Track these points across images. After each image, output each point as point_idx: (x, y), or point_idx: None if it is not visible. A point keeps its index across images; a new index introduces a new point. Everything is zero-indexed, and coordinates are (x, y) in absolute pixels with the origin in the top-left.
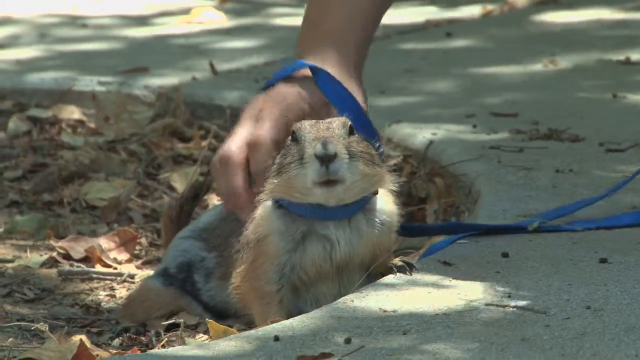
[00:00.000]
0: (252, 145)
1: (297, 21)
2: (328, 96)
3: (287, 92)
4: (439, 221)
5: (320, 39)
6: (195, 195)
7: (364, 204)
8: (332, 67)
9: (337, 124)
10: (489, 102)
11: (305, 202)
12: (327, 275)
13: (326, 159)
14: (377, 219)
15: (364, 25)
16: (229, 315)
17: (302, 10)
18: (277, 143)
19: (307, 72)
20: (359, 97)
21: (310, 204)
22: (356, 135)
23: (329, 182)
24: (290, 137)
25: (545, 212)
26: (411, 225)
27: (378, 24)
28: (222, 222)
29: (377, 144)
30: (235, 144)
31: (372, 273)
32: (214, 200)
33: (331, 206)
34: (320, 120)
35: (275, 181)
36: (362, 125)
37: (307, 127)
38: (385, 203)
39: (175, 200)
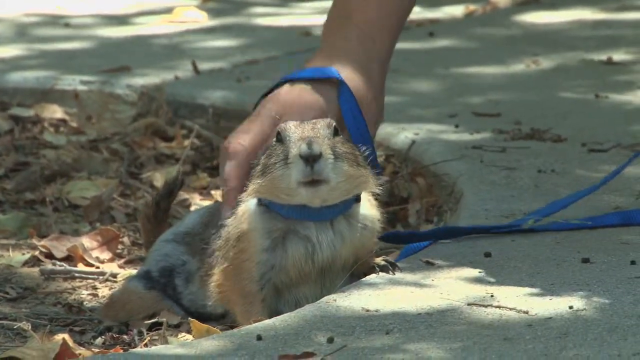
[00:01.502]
0: (252, 154)
1: (279, 21)
2: (343, 111)
3: (312, 103)
4: (421, 221)
5: (346, 32)
6: (170, 191)
7: (347, 208)
8: (353, 64)
9: (322, 124)
10: (472, 102)
11: (290, 202)
12: (309, 277)
13: (311, 159)
14: (359, 224)
15: (391, 24)
16: (211, 319)
17: (284, 10)
18: None
19: (333, 80)
20: (373, 115)
21: (293, 204)
22: (341, 136)
23: (313, 182)
24: (275, 138)
25: (537, 209)
26: (399, 232)
27: (403, 26)
28: (204, 227)
29: (369, 151)
30: (249, 140)
31: (354, 273)
32: (196, 199)
33: (314, 207)
34: (305, 121)
35: (260, 181)
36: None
37: (292, 128)
38: (368, 208)
39: (151, 199)
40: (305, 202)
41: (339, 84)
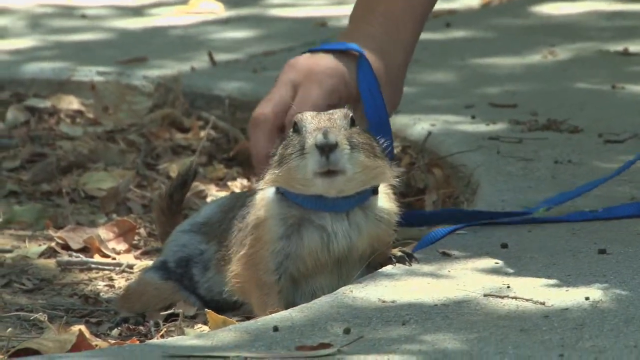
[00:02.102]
0: (285, 116)
1: (296, 11)
2: (361, 85)
3: (332, 71)
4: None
5: (371, 19)
6: (183, 182)
7: (363, 199)
8: (374, 45)
9: (338, 115)
10: (488, 92)
11: (306, 192)
12: (325, 268)
13: (327, 149)
14: (376, 216)
15: (416, 15)
16: (227, 309)
17: (300, 1)
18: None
19: (354, 54)
20: (392, 95)
21: (309, 194)
22: (357, 127)
23: (329, 172)
24: (291, 128)
25: (549, 198)
26: (413, 212)
27: (427, 18)
28: (222, 215)
29: (387, 143)
30: (270, 107)
31: (371, 264)
32: (212, 190)
33: (330, 198)
34: (322, 112)
35: (276, 171)
36: (379, 124)
37: (309, 118)
38: (385, 201)
39: (164, 191)
40: (321, 192)
41: (359, 57)
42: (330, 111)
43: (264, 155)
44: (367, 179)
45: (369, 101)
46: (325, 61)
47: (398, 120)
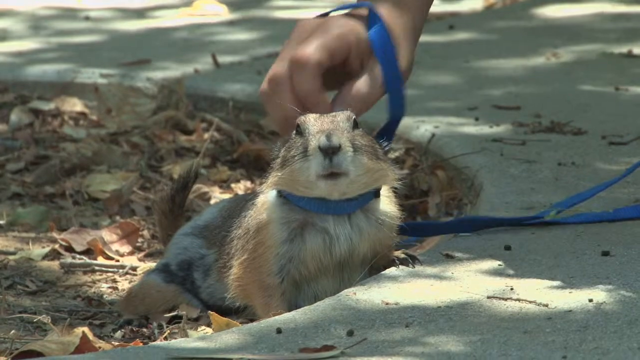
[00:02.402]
0: (294, 64)
1: (299, 13)
2: (373, 40)
3: (343, 22)
4: (441, 214)
5: None
6: (185, 184)
7: (365, 202)
8: (388, 9)
9: (341, 117)
10: (492, 95)
11: (309, 195)
12: (328, 271)
13: (330, 151)
14: (377, 219)
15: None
16: (229, 313)
17: (304, 3)
18: (322, 67)
19: (365, 13)
20: (403, 56)
21: (312, 197)
22: (360, 129)
23: (332, 174)
24: (294, 131)
25: (559, 202)
26: (421, 223)
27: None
28: (223, 221)
29: (385, 144)
30: (282, 64)
31: (374, 266)
32: (216, 192)
33: (332, 200)
34: (324, 114)
35: (279, 174)
36: (392, 79)
37: (311, 120)
38: (387, 204)
39: (165, 194)
40: (324, 194)
41: (370, 11)
42: (333, 113)
43: (287, 118)
44: (369, 181)
45: (381, 54)
46: (334, 18)
47: (401, 122)
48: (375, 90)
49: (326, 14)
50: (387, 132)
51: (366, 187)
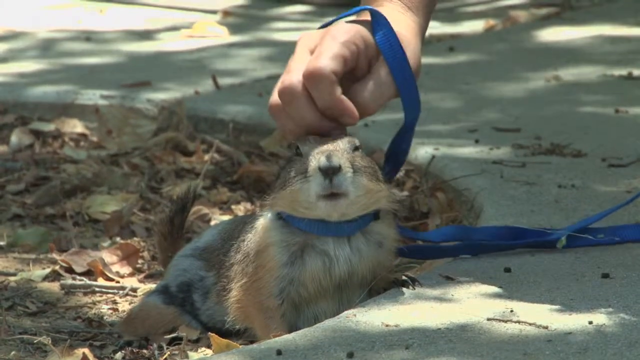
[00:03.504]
0: (311, 78)
1: (299, 35)
2: (380, 44)
3: (348, 28)
4: None
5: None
6: (183, 206)
7: (365, 224)
8: (393, 12)
9: (341, 138)
10: (492, 117)
11: (309, 216)
12: (327, 293)
13: (330, 172)
14: (376, 241)
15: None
16: (229, 335)
17: (304, 25)
18: (338, 76)
19: (367, 17)
20: (412, 56)
21: (311, 219)
22: (360, 151)
23: (332, 195)
24: (294, 152)
25: (566, 227)
26: (421, 247)
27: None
28: (222, 243)
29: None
30: (296, 76)
31: (374, 288)
32: (216, 214)
33: (332, 222)
34: (324, 138)
35: (279, 195)
36: (405, 80)
37: (312, 141)
38: (386, 227)
39: (164, 216)
40: (324, 216)
41: (373, 14)
42: (333, 138)
43: (311, 119)
44: (369, 202)
45: (390, 55)
46: (338, 25)
47: None
48: (381, 92)
49: (329, 24)
50: (405, 134)
51: (366, 209)
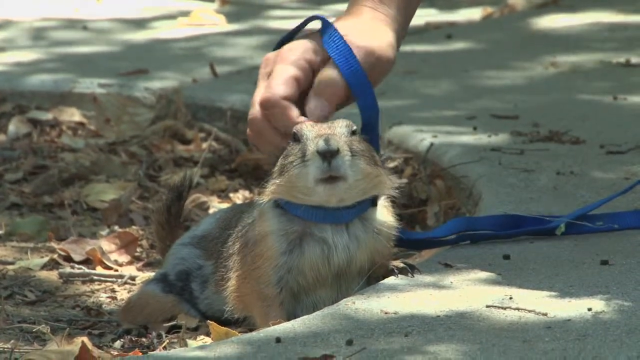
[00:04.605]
0: (265, 109)
1: (297, 23)
2: (330, 52)
3: (296, 45)
4: (440, 223)
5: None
6: (179, 195)
7: (363, 211)
8: (363, 24)
9: (338, 123)
10: (490, 104)
11: (307, 202)
12: (325, 281)
13: (328, 155)
14: (374, 228)
15: None
16: (228, 323)
17: (302, 13)
18: (291, 98)
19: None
20: (380, 42)
21: (309, 206)
22: (357, 135)
23: (330, 178)
24: (291, 138)
25: (566, 215)
26: (416, 235)
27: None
28: (220, 231)
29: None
30: (256, 108)
31: (372, 275)
32: (214, 202)
33: (330, 208)
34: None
35: (277, 181)
36: (360, 88)
37: (309, 127)
38: (384, 214)
39: (161, 204)
40: (323, 201)
41: (322, 22)
42: (330, 121)
43: (275, 145)
44: (367, 187)
45: (342, 62)
46: (290, 44)
47: (400, 131)
48: (331, 93)
49: (284, 38)
50: (369, 134)
51: (364, 194)
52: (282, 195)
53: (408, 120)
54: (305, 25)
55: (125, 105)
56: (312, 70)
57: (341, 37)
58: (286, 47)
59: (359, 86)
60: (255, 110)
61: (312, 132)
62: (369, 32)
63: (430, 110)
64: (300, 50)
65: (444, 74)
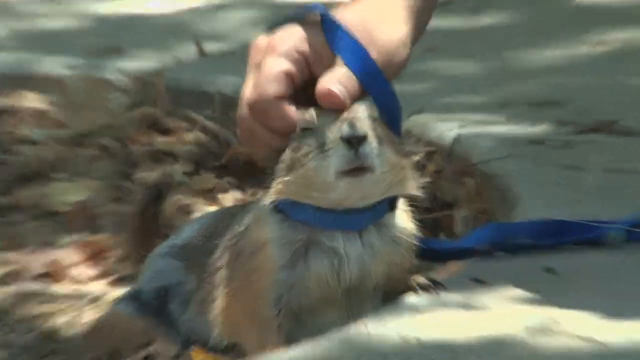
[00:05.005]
0: (256, 111)
1: None
2: (333, 45)
3: (287, 35)
4: (469, 230)
5: None
6: (157, 195)
7: (380, 216)
8: (370, 14)
9: (359, 105)
10: (526, 89)
11: (319, 203)
12: (334, 299)
13: (355, 142)
14: (393, 236)
15: None
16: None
17: None
18: (286, 95)
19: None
20: (389, 34)
21: (316, 209)
22: (378, 118)
23: (356, 170)
24: (299, 128)
25: (623, 218)
26: (441, 245)
27: None
28: (205, 240)
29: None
30: (243, 107)
31: (389, 293)
32: (199, 204)
33: (341, 212)
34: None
35: (288, 178)
36: (373, 81)
37: (324, 112)
38: (403, 220)
39: (135, 207)
40: (342, 197)
41: (321, 11)
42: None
43: (271, 146)
44: (393, 181)
45: (346, 52)
46: (280, 34)
47: (419, 120)
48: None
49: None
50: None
51: (388, 190)
52: (292, 194)
53: (430, 107)
54: (304, 15)
55: (95, 90)
56: (307, 64)
57: (346, 33)
58: (278, 34)
59: (375, 85)
60: (243, 112)
61: (330, 116)
62: (376, 26)
63: (456, 95)
64: (292, 39)
65: (471, 52)
